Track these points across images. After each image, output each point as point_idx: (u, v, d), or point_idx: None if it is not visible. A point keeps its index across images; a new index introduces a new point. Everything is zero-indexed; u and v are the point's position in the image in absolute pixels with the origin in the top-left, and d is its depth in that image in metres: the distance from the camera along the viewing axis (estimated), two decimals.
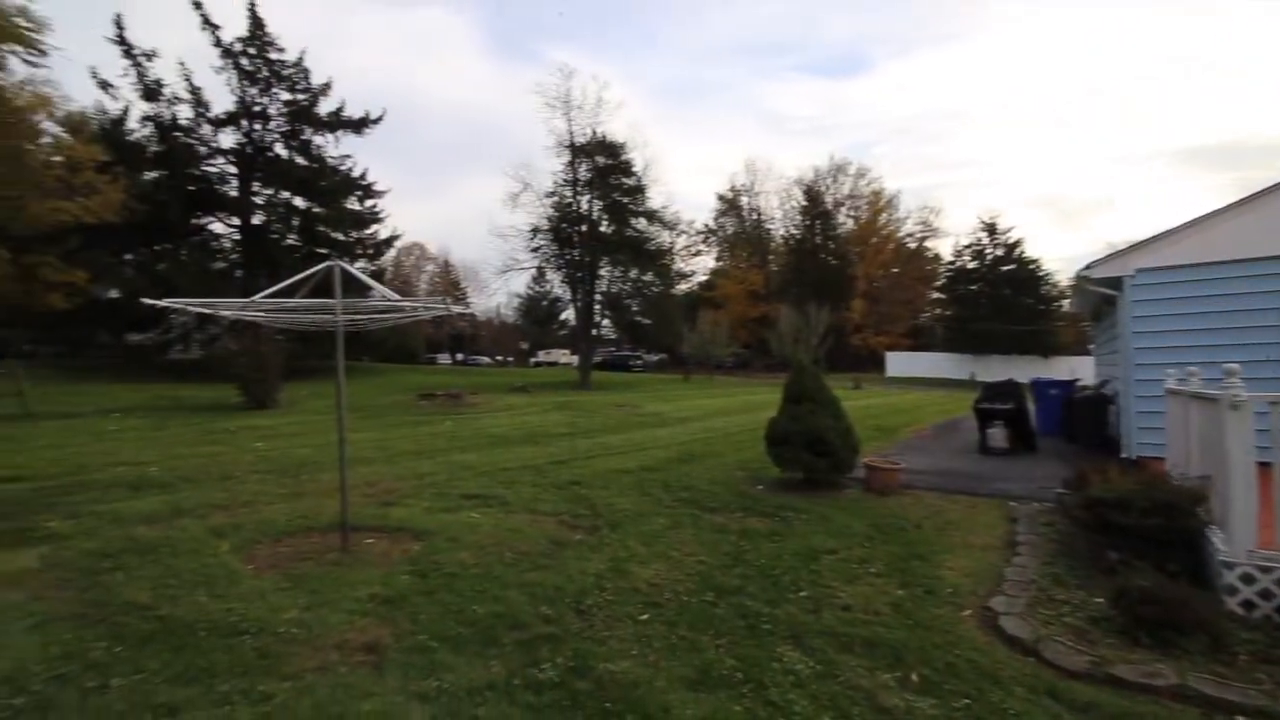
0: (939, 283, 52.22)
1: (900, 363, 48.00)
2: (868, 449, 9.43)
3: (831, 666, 3.27)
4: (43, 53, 14.22)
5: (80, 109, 22.72)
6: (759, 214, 61.85)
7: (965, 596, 4.25)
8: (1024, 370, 29.07)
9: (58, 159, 17.96)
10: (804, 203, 55.86)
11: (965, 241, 48.42)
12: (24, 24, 13.66)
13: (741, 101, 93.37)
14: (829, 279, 49.61)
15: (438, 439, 11.12)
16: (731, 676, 3.15)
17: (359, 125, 28.68)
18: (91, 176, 18.34)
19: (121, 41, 24.07)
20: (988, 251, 46.94)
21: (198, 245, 26.80)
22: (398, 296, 5.73)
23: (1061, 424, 11.79)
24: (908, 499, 7.03)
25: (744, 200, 61.81)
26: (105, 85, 24.26)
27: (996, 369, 38.10)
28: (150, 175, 24.45)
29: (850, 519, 6.08)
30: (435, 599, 4.03)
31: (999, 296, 44.49)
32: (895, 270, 55.29)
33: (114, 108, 24.52)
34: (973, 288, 46.65)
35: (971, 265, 47.48)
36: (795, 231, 56.62)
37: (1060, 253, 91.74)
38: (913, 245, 58.03)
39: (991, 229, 47.02)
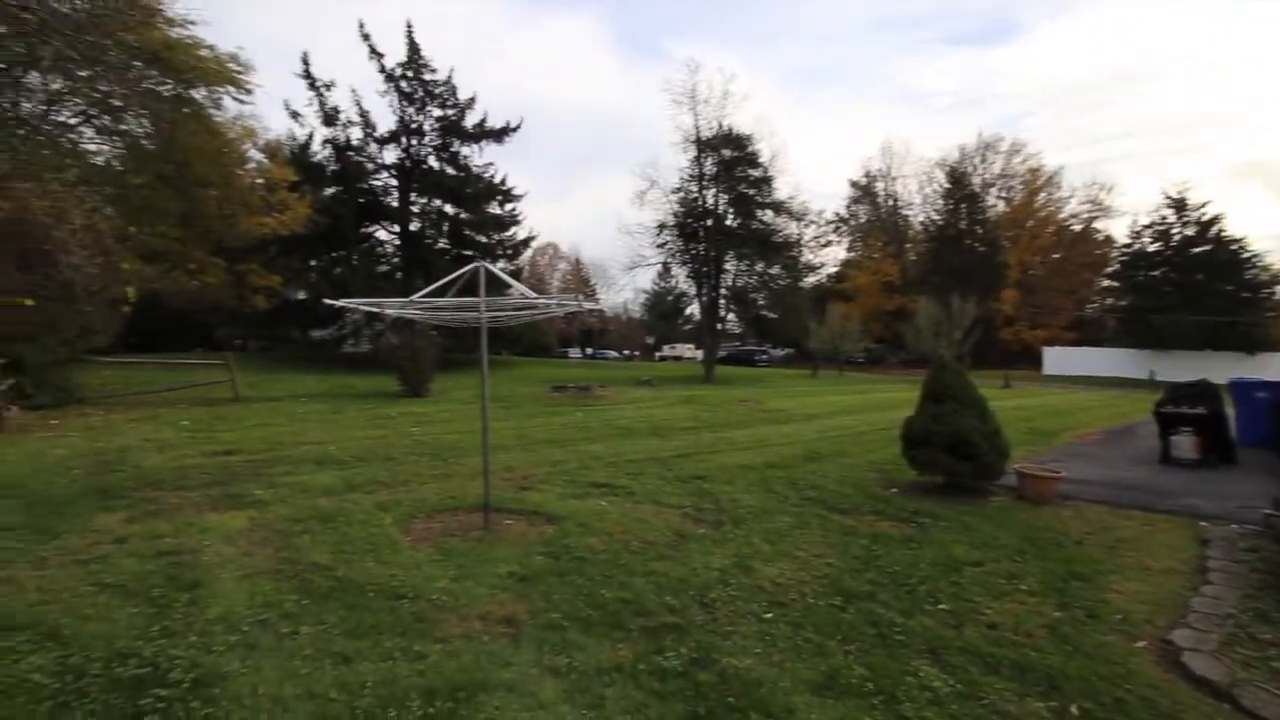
0: (1111, 269, 46.00)
1: (1061, 359, 42.99)
2: (1019, 454, 8.60)
3: (974, 687, 3.05)
4: (248, 91, 16.68)
5: (276, 137, 26.42)
6: (895, 200, 58.09)
7: (1138, 625, 3.78)
8: (1220, 369, 24.84)
9: (259, 181, 21.09)
10: (947, 185, 51.49)
11: (1145, 221, 42.15)
12: (234, 68, 16.08)
13: (876, 81, 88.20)
14: (975, 268, 45.36)
15: (568, 429, 11.67)
16: (861, 685, 3.04)
17: (500, 134, 30.63)
18: (285, 195, 21.40)
19: (307, 75, 27.57)
20: (1174, 231, 40.47)
21: (366, 251, 30.08)
22: (534, 294, 6.09)
23: (1270, 433, 9.97)
24: (1067, 511, 6.33)
25: (879, 185, 58.37)
26: (294, 115, 27.94)
27: (1184, 367, 32.84)
28: (329, 191, 27.87)
29: (997, 529, 5.59)
30: (567, 580, 4.26)
31: (1188, 283, 38.27)
32: (1056, 256, 49.48)
33: (301, 133, 28.19)
34: (1154, 274, 40.52)
35: (1153, 248, 41.21)
36: (936, 217, 52.35)
37: (1273, 230, 77.09)
38: (1078, 227, 51.54)
39: (1179, 205, 40.45)
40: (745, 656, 3.29)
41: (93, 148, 16.06)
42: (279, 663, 3.13)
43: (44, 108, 14.37)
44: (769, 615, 3.81)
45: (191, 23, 15.05)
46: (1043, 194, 51.81)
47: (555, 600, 3.95)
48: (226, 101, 16.70)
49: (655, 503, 6.37)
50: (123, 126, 15.30)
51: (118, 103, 14.09)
